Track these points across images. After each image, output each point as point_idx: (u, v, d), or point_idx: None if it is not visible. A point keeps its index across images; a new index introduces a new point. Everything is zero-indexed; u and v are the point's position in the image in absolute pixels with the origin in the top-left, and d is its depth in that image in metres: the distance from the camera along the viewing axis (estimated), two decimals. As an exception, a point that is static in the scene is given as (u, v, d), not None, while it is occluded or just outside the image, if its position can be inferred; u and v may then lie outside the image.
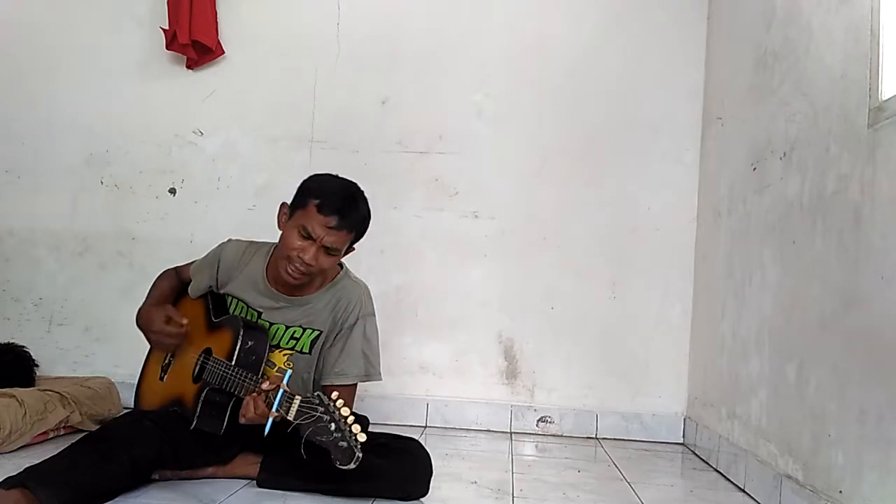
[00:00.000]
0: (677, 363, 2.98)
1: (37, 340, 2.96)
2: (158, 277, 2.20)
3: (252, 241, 2.13)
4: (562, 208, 3.03)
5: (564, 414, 2.98)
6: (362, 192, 1.99)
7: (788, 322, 2.03)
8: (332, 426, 1.59)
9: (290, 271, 1.92)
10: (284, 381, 1.73)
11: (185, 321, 1.98)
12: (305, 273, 1.92)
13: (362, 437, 1.60)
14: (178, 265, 2.22)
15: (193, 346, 2.01)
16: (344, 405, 1.63)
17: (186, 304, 2.13)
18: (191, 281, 2.15)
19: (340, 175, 2.02)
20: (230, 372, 1.85)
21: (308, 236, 1.88)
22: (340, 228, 1.88)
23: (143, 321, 2.04)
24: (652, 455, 2.74)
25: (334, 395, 1.65)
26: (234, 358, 1.86)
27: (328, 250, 1.90)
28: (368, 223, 1.99)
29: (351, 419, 1.61)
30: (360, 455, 1.59)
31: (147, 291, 2.16)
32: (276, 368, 1.99)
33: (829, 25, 1.90)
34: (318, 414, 1.61)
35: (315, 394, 1.67)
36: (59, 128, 3.13)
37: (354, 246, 2.03)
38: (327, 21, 3.09)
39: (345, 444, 1.59)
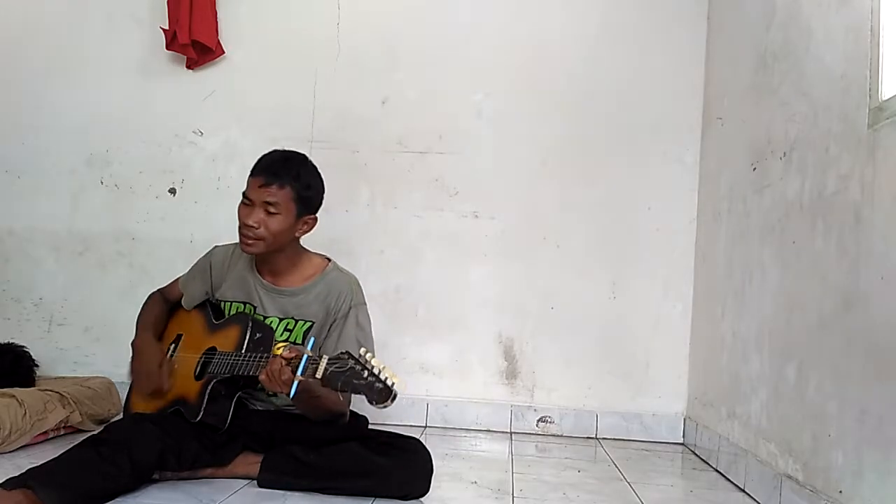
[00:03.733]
0: (677, 363, 2.98)
1: (37, 340, 2.96)
2: (145, 304, 2.21)
3: (238, 243, 2.13)
4: (562, 208, 3.03)
5: (564, 414, 2.98)
6: (307, 161, 2.05)
7: (788, 322, 2.03)
8: (365, 372, 1.65)
9: (242, 241, 1.98)
10: (308, 348, 1.77)
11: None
12: (255, 237, 1.96)
13: (396, 379, 1.65)
14: (161, 287, 2.24)
15: (194, 351, 2.02)
16: (372, 357, 1.68)
17: (182, 316, 2.15)
18: (179, 298, 2.18)
19: (314, 162, 2.07)
20: (241, 359, 1.88)
21: (249, 202, 1.96)
22: (270, 184, 1.95)
23: (139, 355, 2.06)
24: (652, 455, 2.74)
25: (362, 349, 1.70)
26: (244, 347, 1.91)
27: (268, 209, 1.94)
28: (312, 187, 2.02)
29: (382, 364, 1.67)
30: (397, 392, 1.65)
31: (137, 314, 2.17)
32: None
33: (829, 25, 1.90)
34: (350, 365, 1.66)
35: (343, 350, 1.72)
36: (59, 128, 3.12)
37: (316, 216, 2.04)
38: (327, 21, 3.09)
39: (380, 385, 1.64)
